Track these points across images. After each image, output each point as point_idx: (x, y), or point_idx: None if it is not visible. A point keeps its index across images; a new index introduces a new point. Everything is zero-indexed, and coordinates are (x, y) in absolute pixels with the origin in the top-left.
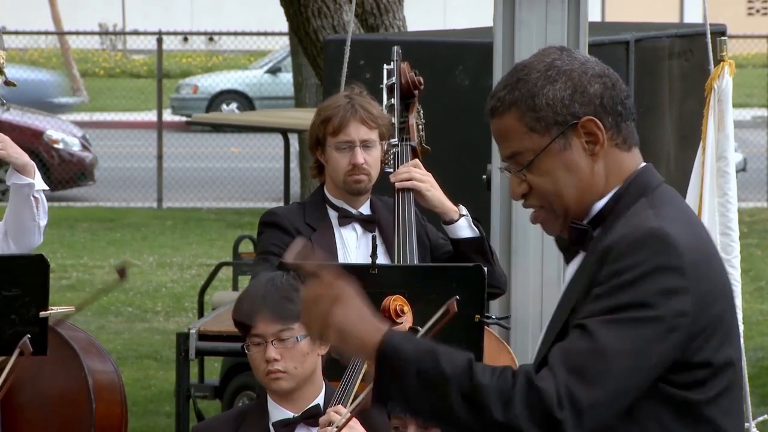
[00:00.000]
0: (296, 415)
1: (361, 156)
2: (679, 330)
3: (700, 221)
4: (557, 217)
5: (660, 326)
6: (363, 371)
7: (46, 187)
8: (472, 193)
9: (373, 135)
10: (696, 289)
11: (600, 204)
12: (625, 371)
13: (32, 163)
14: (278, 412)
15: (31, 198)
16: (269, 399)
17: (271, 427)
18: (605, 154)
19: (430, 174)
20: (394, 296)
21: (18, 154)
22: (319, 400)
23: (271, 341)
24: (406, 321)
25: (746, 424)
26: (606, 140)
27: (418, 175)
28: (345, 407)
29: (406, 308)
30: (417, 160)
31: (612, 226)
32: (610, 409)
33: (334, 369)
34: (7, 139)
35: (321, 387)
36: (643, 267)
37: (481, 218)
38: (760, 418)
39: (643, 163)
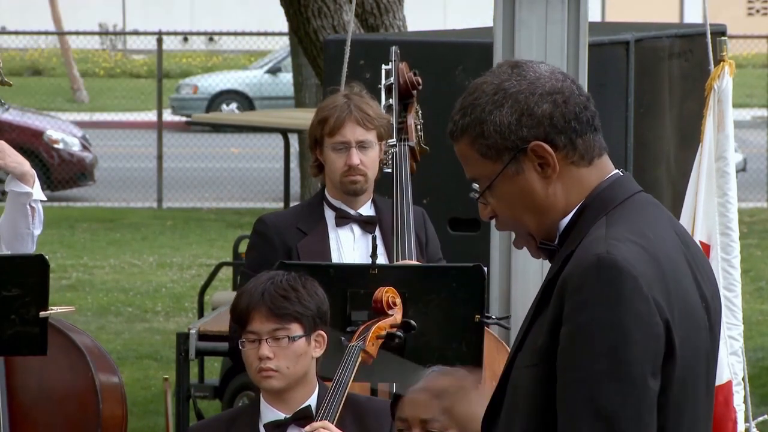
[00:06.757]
0: (287, 416)
1: (356, 157)
2: (659, 353)
3: (671, 237)
4: (528, 240)
5: (644, 357)
6: (355, 370)
7: (44, 198)
8: (470, 192)
9: (370, 136)
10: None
11: (565, 221)
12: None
13: (32, 172)
14: (270, 413)
15: (27, 207)
16: (261, 400)
17: (262, 428)
18: (561, 173)
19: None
20: (386, 288)
21: (17, 163)
22: (312, 401)
23: (266, 339)
24: (397, 312)
25: (746, 424)
26: (558, 161)
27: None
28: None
29: (398, 300)
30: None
31: (574, 241)
32: None
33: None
34: (6, 147)
35: (314, 388)
36: (606, 297)
37: (479, 219)
38: (760, 419)
39: (614, 172)
